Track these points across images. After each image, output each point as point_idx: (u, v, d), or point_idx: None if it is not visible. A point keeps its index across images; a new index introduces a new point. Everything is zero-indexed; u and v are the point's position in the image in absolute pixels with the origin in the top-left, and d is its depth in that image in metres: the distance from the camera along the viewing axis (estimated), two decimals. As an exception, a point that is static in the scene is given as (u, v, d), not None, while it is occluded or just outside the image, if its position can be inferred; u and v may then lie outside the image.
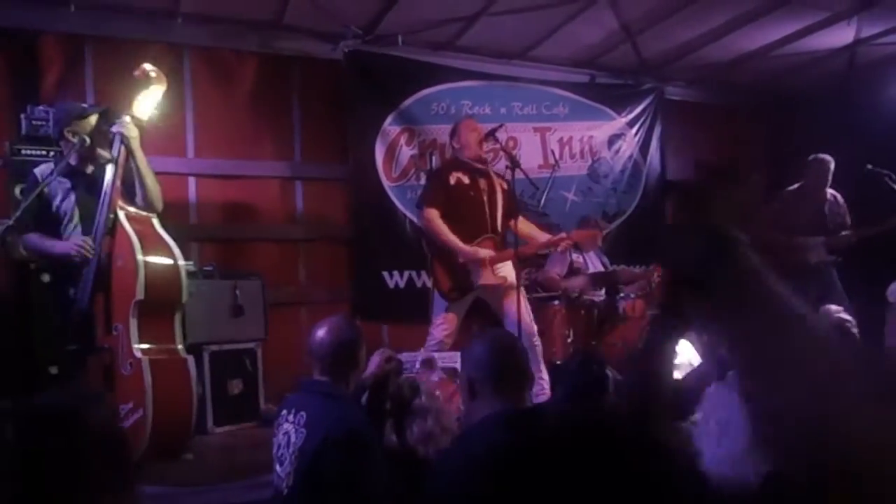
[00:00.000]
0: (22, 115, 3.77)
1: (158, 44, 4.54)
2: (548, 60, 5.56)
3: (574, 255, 4.83)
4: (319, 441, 2.12)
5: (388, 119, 5.05)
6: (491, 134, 4.13)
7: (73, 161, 3.23)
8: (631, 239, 5.76)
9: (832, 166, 4.96)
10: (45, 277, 3.62)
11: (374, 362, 2.53)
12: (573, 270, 4.82)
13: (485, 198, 4.10)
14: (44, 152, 3.70)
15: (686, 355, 3.94)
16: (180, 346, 3.19)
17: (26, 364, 3.62)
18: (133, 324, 3.03)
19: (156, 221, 3.26)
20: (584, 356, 3.87)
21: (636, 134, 5.97)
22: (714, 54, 5.51)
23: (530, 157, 5.26)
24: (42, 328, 3.58)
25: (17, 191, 3.60)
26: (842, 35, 5.11)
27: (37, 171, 3.30)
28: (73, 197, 3.26)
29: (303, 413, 2.28)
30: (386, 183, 5.06)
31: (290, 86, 4.96)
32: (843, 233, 5.00)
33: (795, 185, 5.12)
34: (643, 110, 5.97)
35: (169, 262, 3.16)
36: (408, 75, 5.12)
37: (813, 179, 5.02)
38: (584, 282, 4.72)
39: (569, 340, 4.50)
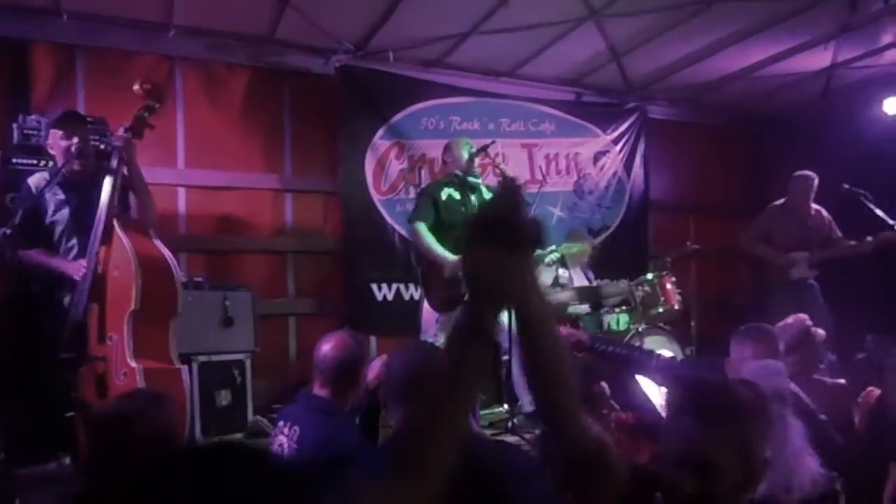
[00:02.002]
0: (14, 125, 3.76)
1: (150, 55, 4.57)
2: (535, 78, 5.66)
3: (560, 270, 4.91)
4: (310, 460, 2.16)
5: (379, 133, 5.10)
6: (483, 150, 4.21)
7: (66, 172, 3.24)
8: (614, 254, 5.86)
9: (815, 182, 5.08)
10: (34, 286, 3.61)
11: (375, 367, 2.54)
12: (557, 284, 4.90)
13: (475, 212, 4.16)
14: (35, 162, 3.69)
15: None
16: (174, 357, 3.19)
17: (18, 371, 3.59)
18: (128, 333, 3.02)
19: (152, 231, 3.27)
20: (584, 367, 3.94)
21: (620, 151, 6.08)
22: (696, 75, 5.65)
23: (518, 173, 5.28)
24: (30, 338, 3.56)
25: (9, 199, 3.59)
26: (819, 59, 5.26)
27: (30, 181, 3.30)
28: (67, 209, 3.26)
29: (297, 428, 2.31)
30: (375, 196, 5.11)
31: (281, 99, 4.99)
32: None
33: (780, 201, 5.24)
34: (627, 128, 6.09)
35: (164, 271, 3.16)
36: (398, 91, 5.18)
37: (796, 195, 5.14)
38: (568, 296, 4.81)
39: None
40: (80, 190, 3.26)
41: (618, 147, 6.07)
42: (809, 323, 2.99)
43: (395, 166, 5.18)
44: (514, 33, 4.76)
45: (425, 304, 4.18)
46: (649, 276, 4.79)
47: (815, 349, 2.95)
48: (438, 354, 2.01)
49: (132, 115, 3.23)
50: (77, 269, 3.13)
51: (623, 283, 4.78)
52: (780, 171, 5.49)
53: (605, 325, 4.79)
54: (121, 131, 3.22)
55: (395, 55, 5.00)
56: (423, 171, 5.08)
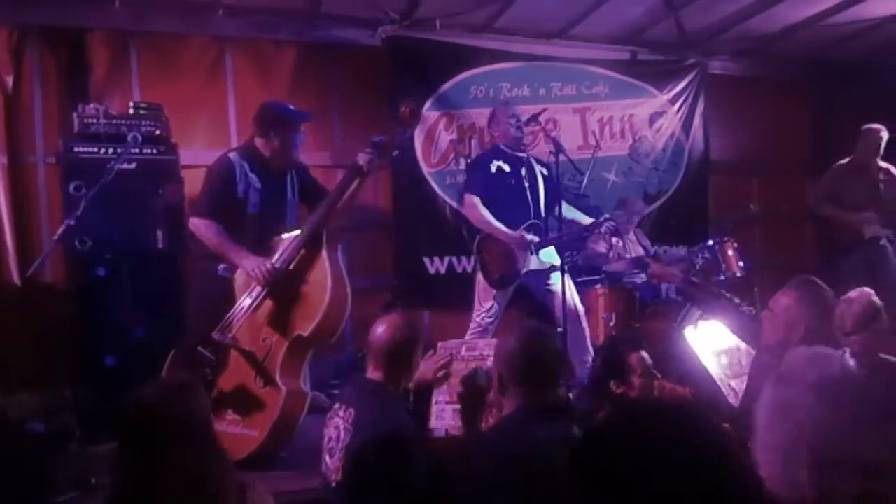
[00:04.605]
0: (74, 114, 3.87)
1: (200, 37, 4.63)
2: (587, 38, 5.45)
3: (613, 239, 4.80)
4: (363, 443, 2.19)
5: (427, 104, 5.02)
6: (533, 119, 4.13)
7: (267, 161, 3.31)
8: (673, 219, 5.68)
9: (884, 136, 4.82)
10: (101, 270, 3.75)
11: (429, 369, 2.56)
12: (612, 252, 4.80)
13: (527, 184, 4.12)
14: (95, 149, 3.80)
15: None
16: (304, 378, 3.28)
17: (81, 355, 3.76)
18: (285, 350, 3.09)
19: (340, 254, 3.24)
20: (612, 339, 3.90)
21: (678, 111, 5.83)
22: (760, 26, 5.34)
23: (570, 139, 5.20)
24: (99, 320, 3.72)
25: (72, 187, 3.72)
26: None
27: (231, 156, 3.34)
28: (258, 197, 3.30)
29: (351, 410, 2.35)
30: (425, 169, 5.07)
31: (328, 74, 4.97)
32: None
33: (847, 159, 5.01)
34: (686, 86, 5.83)
35: (343, 312, 3.15)
36: (446, 59, 5.08)
37: (865, 150, 4.92)
38: (623, 266, 4.70)
39: (611, 324, 4.49)
40: (273, 183, 3.33)
41: (676, 106, 5.82)
42: (876, 298, 2.79)
43: (445, 137, 5.11)
44: (565, -8, 4.61)
45: (480, 278, 4.16)
46: (710, 241, 4.63)
47: (882, 334, 2.75)
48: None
49: (387, 136, 3.31)
50: (254, 267, 3.10)
51: (682, 251, 4.64)
52: (850, 126, 5.19)
53: (663, 294, 4.68)
54: (366, 152, 3.23)
55: (442, 22, 4.91)
56: (472, 141, 5.04)
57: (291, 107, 3.49)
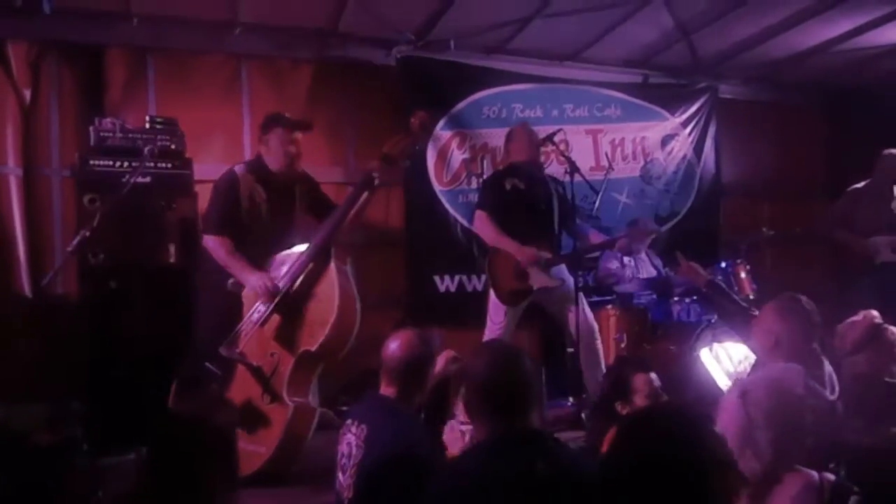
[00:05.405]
0: (91, 128, 3.89)
1: (217, 54, 4.66)
2: (600, 61, 5.50)
3: (625, 260, 4.79)
4: (376, 460, 2.17)
5: (440, 124, 5.05)
6: (548, 139, 4.14)
7: (273, 174, 3.32)
8: (684, 241, 5.65)
9: None
10: (112, 284, 3.75)
11: (439, 364, 2.53)
12: (623, 272, 4.78)
13: (541, 202, 4.11)
14: (111, 163, 3.82)
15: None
16: (313, 392, 3.24)
17: (90, 367, 3.73)
18: (292, 366, 3.07)
19: (349, 268, 3.22)
20: (619, 359, 3.88)
21: (690, 134, 5.86)
22: (771, 51, 5.38)
23: (582, 160, 5.18)
24: (109, 333, 3.70)
25: (87, 200, 3.72)
26: (906, 30, 4.93)
27: (236, 169, 3.35)
28: (263, 209, 3.31)
29: (364, 426, 2.32)
30: (437, 187, 5.08)
31: (344, 92, 4.99)
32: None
33: (862, 183, 4.99)
34: (697, 110, 5.87)
35: (352, 327, 3.12)
36: (459, 80, 5.12)
37: (882, 175, 4.90)
38: (635, 286, 4.68)
39: (622, 345, 4.46)
40: (280, 196, 3.34)
41: (687, 130, 5.85)
42: (879, 320, 2.81)
43: (457, 156, 5.14)
44: (578, 16, 4.63)
45: (492, 295, 4.14)
46: (722, 264, 4.61)
47: (887, 348, 2.75)
48: (524, 357, 1.90)
49: (397, 147, 3.34)
50: (255, 283, 3.09)
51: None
52: (862, 151, 5.19)
53: (675, 316, 4.65)
54: (376, 164, 3.26)
55: (457, 43, 4.96)
56: (485, 161, 5.06)
57: (289, 115, 3.51)
